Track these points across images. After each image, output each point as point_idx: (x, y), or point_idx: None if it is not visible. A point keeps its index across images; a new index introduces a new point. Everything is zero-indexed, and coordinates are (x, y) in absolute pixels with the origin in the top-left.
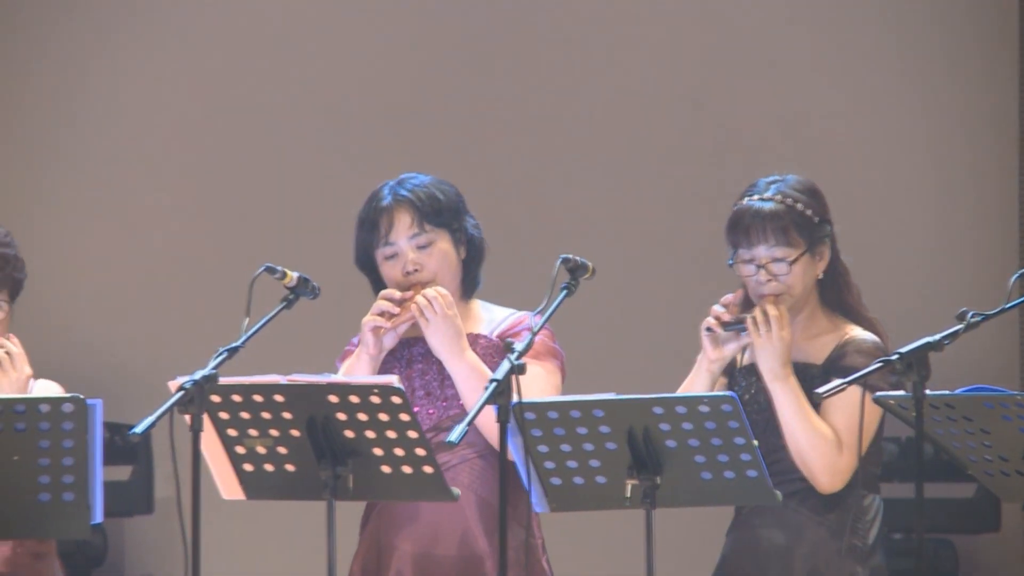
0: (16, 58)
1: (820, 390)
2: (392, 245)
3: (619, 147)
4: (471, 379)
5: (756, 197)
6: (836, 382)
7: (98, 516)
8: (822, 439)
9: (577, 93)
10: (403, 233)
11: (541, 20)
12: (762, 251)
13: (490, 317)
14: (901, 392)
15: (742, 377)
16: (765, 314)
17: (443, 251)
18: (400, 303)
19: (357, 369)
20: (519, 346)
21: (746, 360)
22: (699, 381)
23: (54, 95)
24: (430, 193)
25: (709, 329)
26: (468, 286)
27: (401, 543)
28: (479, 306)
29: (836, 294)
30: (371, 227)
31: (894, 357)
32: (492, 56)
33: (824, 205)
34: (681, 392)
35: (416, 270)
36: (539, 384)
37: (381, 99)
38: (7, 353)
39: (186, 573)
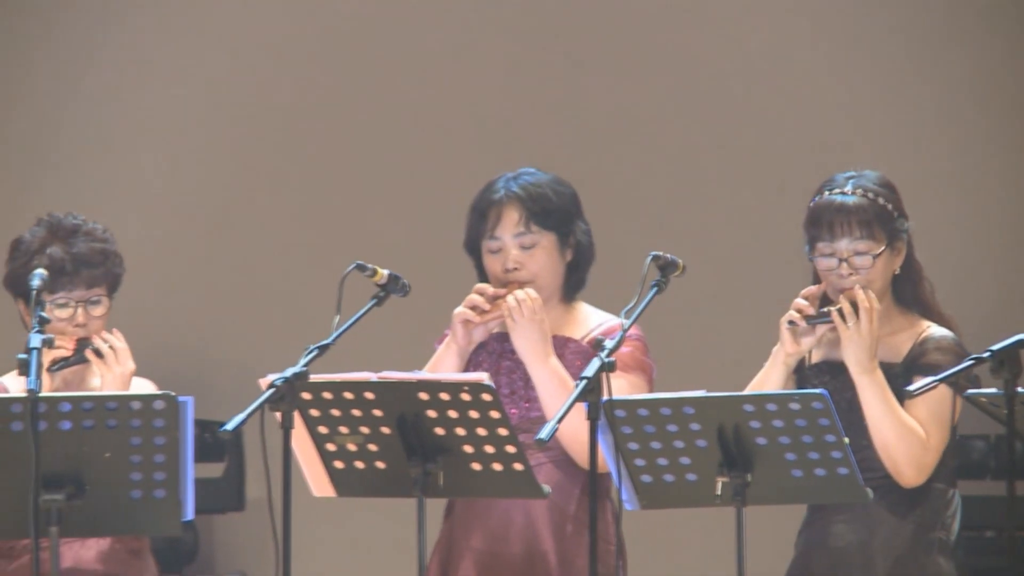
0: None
1: (912, 388)
2: (497, 240)
3: (704, 143)
4: (551, 384)
5: (837, 191)
6: (927, 380)
7: (189, 513)
8: (909, 432)
9: (665, 88)
10: (509, 230)
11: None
12: (844, 244)
13: (587, 321)
14: (992, 389)
15: (814, 376)
16: (854, 305)
17: (547, 253)
18: (492, 299)
19: (445, 360)
20: (609, 343)
21: (815, 359)
22: (775, 374)
23: (152, 73)
24: (543, 193)
25: (791, 322)
26: (570, 289)
27: (472, 541)
28: (582, 309)
29: (911, 290)
30: (480, 217)
31: (986, 354)
32: (575, 46)
33: (901, 201)
34: (755, 386)
35: (516, 268)
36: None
37: (467, 93)
38: (111, 348)
39: (277, 570)
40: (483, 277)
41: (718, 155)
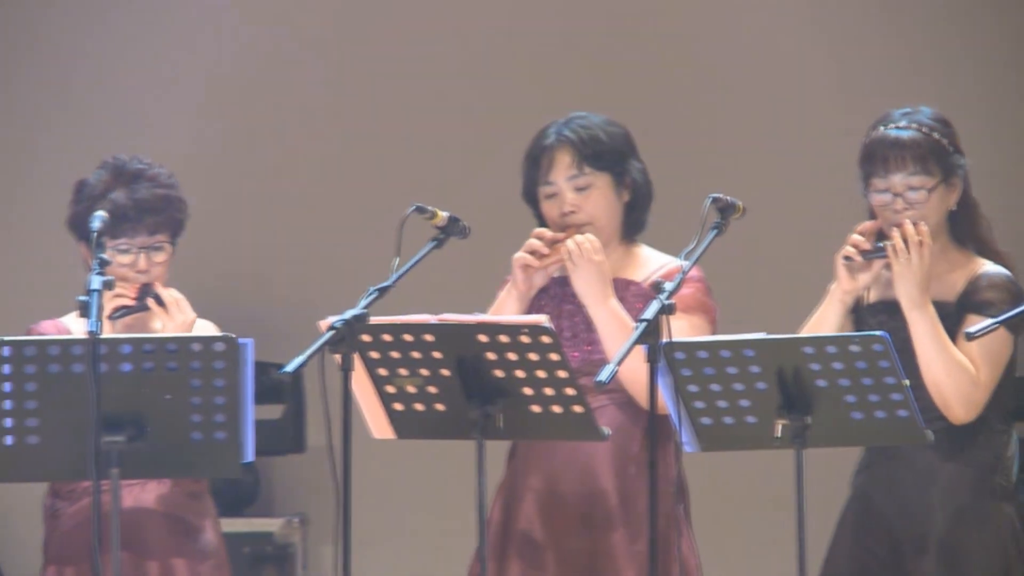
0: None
1: (971, 329)
2: (551, 184)
3: (758, 86)
4: (611, 326)
5: (892, 126)
6: (987, 323)
7: (249, 455)
8: (960, 368)
9: (719, 34)
10: (562, 174)
11: None
12: (899, 179)
13: (649, 264)
14: None
15: (870, 316)
16: (906, 241)
17: (602, 194)
18: (551, 244)
19: (506, 305)
20: (669, 285)
21: (872, 298)
22: (831, 312)
23: (215, 14)
24: (593, 135)
25: (848, 258)
26: (630, 230)
27: (533, 482)
28: (641, 251)
29: (968, 227)
30: (534, 164)
31: None
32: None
33: (956, 137)
34: (811, 324)
35: (573, 212)
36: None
37: (526, 34)
38: (173, 298)
39: (337, 512)
40: (542, 225)
41: (773, 92)
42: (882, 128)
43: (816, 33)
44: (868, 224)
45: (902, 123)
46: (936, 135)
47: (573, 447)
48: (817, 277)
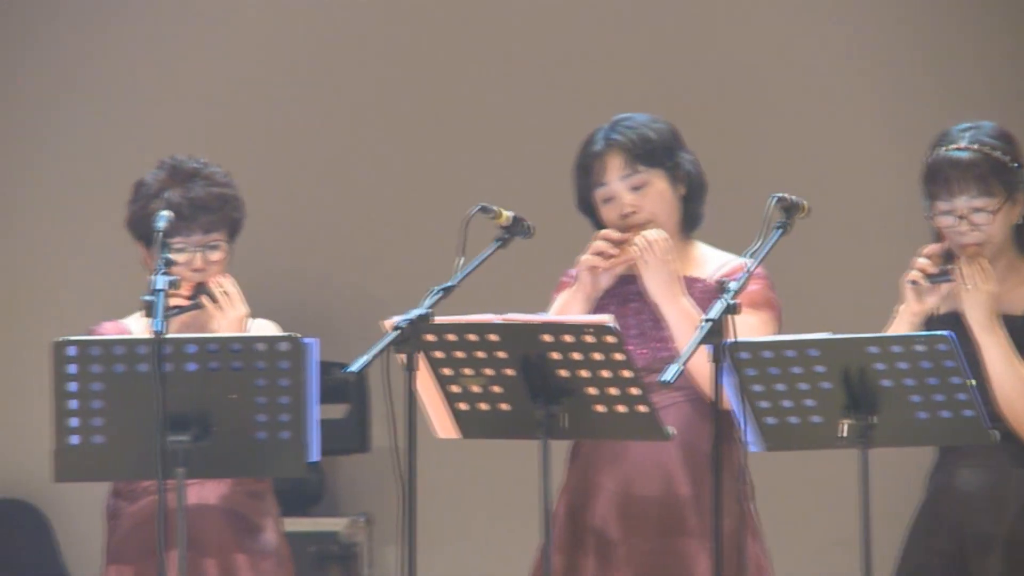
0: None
1: None
2: (606, 187)
3: (826, 85)
4: (684, 323)
5: (952, 147)
6: None
7: (314, 455)
8: None
9: (781, 32)
10: (616, 175)
11: None
12: (963, 202)
13: (710, 261)
14: None
15: (939, 325)
16: (971, 266)
17: (659, 191)
18: (618, 244)
19: (572, 307)
20: (734, 285)
21: (943, 310)
22: (900, 332)
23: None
24: (641, 134)
25: (914, 282)
26: (688, 224)
27: (605, 481)
28: (699, 248)
29: None
30: (585, 172)
31: None
32: None
33: (1018, 150)
34: None
35: (633, 212)
36: (753, 334)
37: (585, 36)
38: (224, 292)
39: (401, 512)
40: None
41: (839, 94)
42: (943, 149)
43: (863, 36)
44: (934, 247)
45: (962, 143)
46: (998, 153)
47: (642, 445)
48: (880, 277)
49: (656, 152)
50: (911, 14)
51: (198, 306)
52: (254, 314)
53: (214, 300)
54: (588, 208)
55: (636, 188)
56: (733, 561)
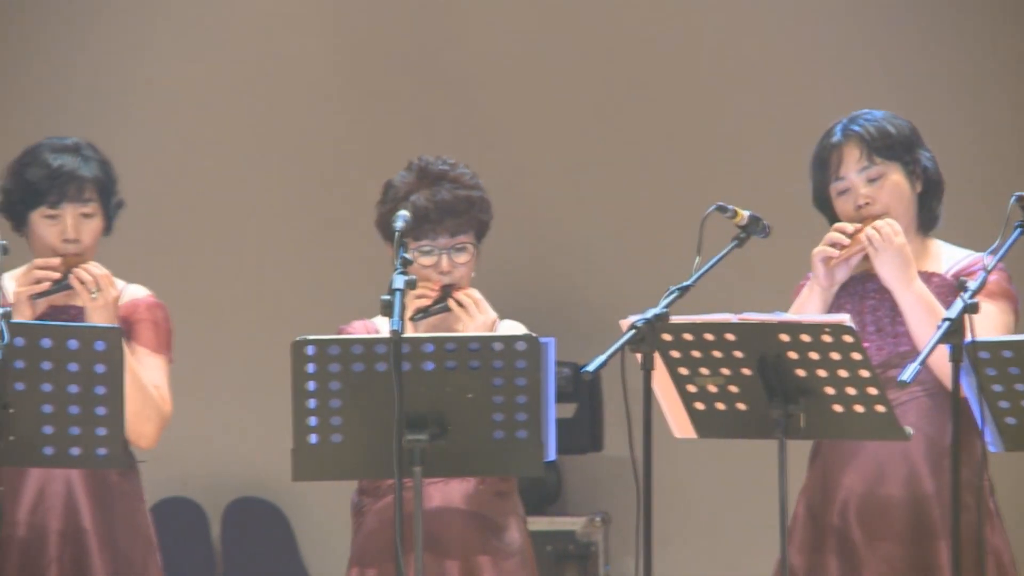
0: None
1: None
2: (843, 180)
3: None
4: (918, 309)
5: None
6: None
7: (551, 454)
8: None
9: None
10: (853, 167)
11: None
12: None
13: (946, 256)
14: None
15: None
16: None
17: (895, 184)
18: (851, 235)
19: (809, 302)
20: (972, 284)
21: None
22: None
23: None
24: (880, 127)
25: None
26: (925, 221)
27: (846, 480)
28: (936, 245)
29: None
30: (822, 164)
31: None
32: None
33: None
34: None
35: (868, 203)
36: (991, 323)
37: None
38: (471, 298)
39: (638, 511)
40: None
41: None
42: None
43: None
44: None
45: None
46: None
47: (885, 446)
48: None
49: (894, 146)
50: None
51: (444, 309)
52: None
53: (461, 305)
54: (824, 203)
55: (872, 180)
56: (972, 556)
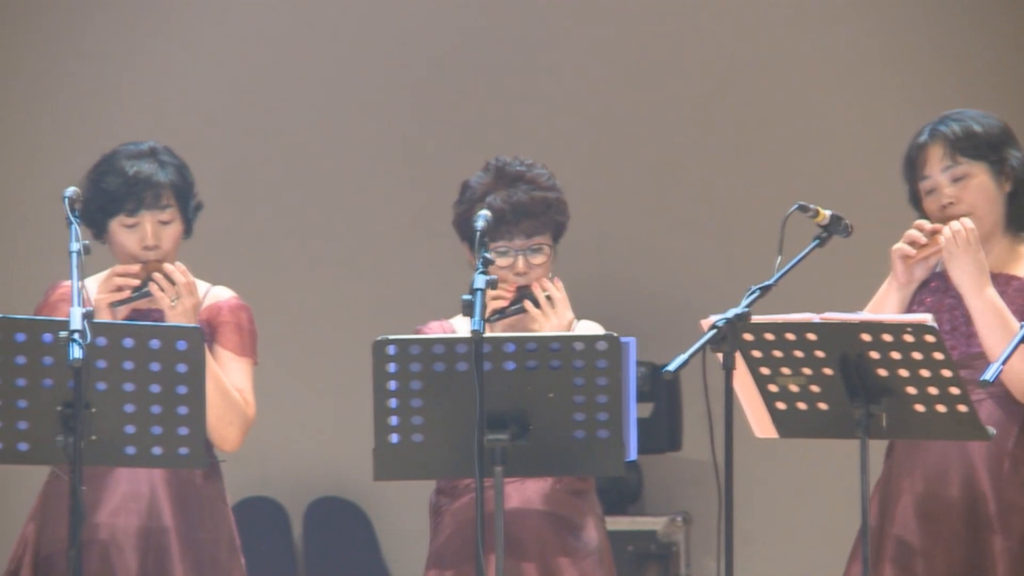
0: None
1: None
2: (928, 179)
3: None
4: (986, 316)
5: None
6: None
7: (632, 453)
8: None
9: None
10: (937, 166)
11: None
12: None
13: None
14: None
15: None
16: None
17: (980, 183)
18: (931, 234)
19: (887, 300)
20: None
21: None
22: None
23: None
24: (966, 126)
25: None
26: (1013, 222)
27: (908, 481)
28: None
29: None
30: (910, 164)
31: None
32: None
33: None
34: None
35: (952, 203)
36: None
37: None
38: (550, 297)
39: (720, 510)
40: None
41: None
42: None
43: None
44: None
45: None
46: None
47: (948, 444)
48: None
49: (980, 145)
50: None
51: (521, 311)
52: (579, 315)
53: (537, 305)
54: (917, 202)
55: (956, 179)
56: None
